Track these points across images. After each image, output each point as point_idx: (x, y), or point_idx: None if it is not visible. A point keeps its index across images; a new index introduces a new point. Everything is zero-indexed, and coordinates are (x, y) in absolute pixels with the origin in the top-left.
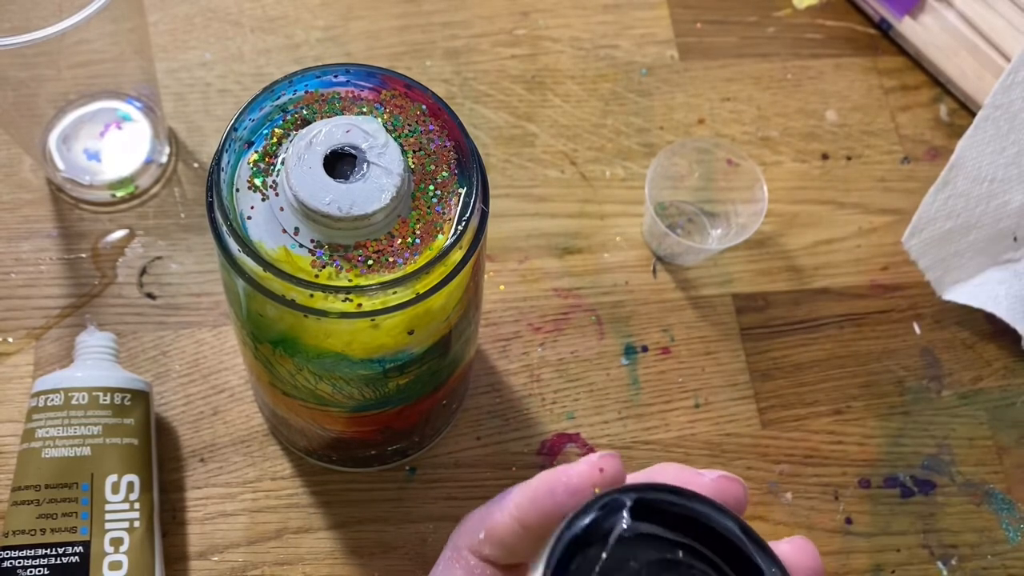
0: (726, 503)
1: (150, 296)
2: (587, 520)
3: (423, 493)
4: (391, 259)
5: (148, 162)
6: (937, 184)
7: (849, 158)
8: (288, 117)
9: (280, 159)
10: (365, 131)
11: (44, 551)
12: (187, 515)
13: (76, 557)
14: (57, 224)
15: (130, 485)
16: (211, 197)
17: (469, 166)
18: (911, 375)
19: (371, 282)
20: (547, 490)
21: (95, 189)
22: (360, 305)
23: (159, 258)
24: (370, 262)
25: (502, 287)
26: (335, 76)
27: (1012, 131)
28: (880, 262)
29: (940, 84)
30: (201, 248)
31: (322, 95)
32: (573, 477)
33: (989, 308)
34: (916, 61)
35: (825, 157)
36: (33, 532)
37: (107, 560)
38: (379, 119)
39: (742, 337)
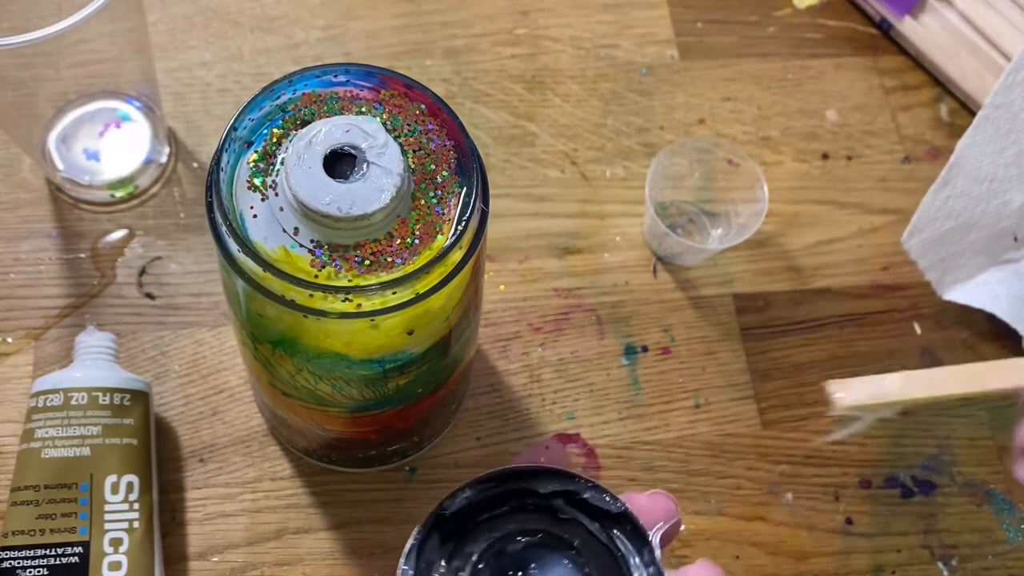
0: (655, 514)
1: (149, 296)
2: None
3: (423, 493)
4: (391, 259)
5: (147, 162)
6: (937, 184)
7: (849, 158)
8: (288, 117)
9: (280, 159)
10: (365, 131)
11: (44, 551)
12: (187, 515)
13: (76, 557)
14: (56, 224)
15: (129, 485)
16: (211, 197)
17: (469, 166)
18: None
19: (371, 282)
20: None
21: (94, 189)
22: (360, 305)
23: (158, 258)
24: (368, 262)
25: (502, 287)
26: (334, 76)
27: (1012, 131)
28: (881, 262)
29: (940, 84)
30: (201, 248)
31: (321, 95)
32: None
33: (989, 308)
34: (916, 61)
35: (825, 157)
36: (33, 532)
37: (106, 560)
38: (378, 119)
39: (742, 337)
